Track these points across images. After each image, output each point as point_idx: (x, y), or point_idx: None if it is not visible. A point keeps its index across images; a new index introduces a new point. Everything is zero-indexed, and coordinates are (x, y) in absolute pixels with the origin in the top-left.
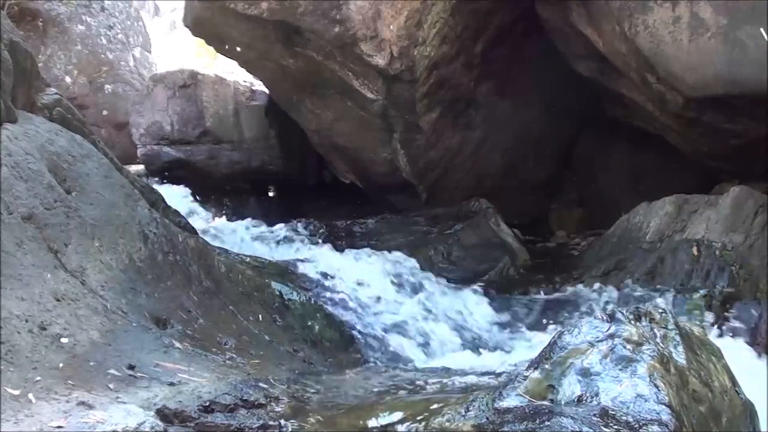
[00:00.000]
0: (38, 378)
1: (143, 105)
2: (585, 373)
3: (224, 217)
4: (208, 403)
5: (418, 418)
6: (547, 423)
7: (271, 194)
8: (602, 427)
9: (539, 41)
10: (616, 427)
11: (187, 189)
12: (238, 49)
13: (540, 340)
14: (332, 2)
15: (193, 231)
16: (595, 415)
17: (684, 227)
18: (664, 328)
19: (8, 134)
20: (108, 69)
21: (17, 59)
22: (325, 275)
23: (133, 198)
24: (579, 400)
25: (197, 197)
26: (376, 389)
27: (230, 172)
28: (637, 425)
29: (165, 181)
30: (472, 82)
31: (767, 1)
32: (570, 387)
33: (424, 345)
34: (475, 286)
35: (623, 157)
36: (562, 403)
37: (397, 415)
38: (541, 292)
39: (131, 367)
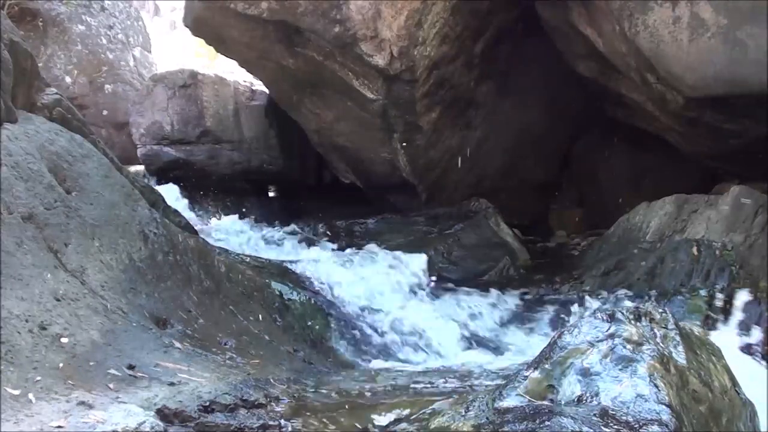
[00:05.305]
0: (38, 378)
1: (143, 105)
2: (585, 373)
3: (224, 216)
4: (208, 403)
5: (418, 418)
6: (547, 423)
7: (271, 194)
8: (602, 427)
9: (539, 41)
10: (616, 427)
11: (185, 189)
12: (238, 49)
13: (540, 339)
14: (332, 2)
15: (193, 231)
16: (595, 415)
17: (684, 227)
18: (664, 328)
19: (8, 134)
20: (108, 69)
21: (17, 59)
22: (325, 275)
23: (133, 198)
24: (579, 400)
25: (195, 197)
26: (376, 389)
27: (230, 172)
28: (637, 425)
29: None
30: (472, 82)
31: (767, 1)
32: (570, 387)
33: (425, 345)
34: (475, 286)
35: (623, 157)
36: (562, 403)
37: (397, 415)
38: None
39: (131, 367)
